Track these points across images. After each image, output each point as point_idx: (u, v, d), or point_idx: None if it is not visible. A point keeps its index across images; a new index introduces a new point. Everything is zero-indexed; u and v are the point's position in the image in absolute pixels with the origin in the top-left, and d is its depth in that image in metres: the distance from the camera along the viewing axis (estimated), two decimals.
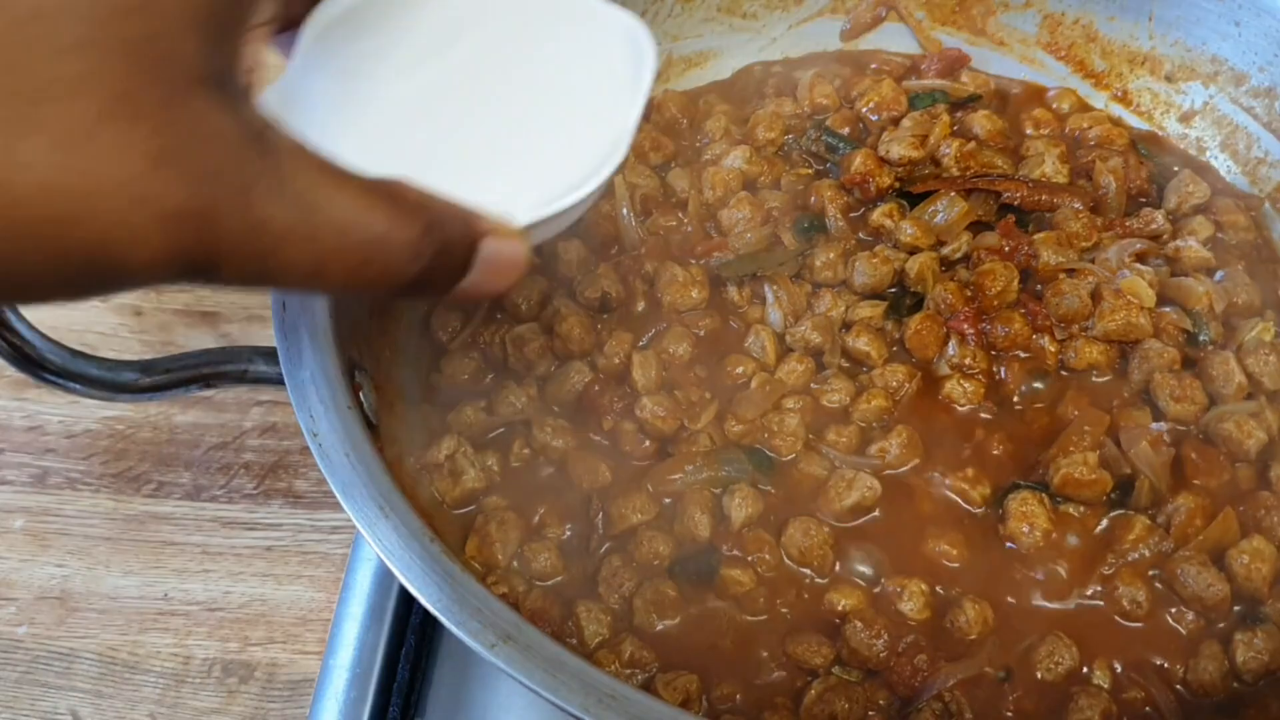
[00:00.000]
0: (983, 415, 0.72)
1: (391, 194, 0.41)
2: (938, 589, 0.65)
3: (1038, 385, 0.72)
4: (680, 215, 0.81)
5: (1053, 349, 0.73)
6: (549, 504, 0.68)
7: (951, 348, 0.73)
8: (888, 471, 0.69)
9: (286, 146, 0.39)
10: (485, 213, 0.45)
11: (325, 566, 0.84)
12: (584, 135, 0.51)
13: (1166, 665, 0.63)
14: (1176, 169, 0.84)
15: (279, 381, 0.60)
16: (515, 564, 0.66)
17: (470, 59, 0.51)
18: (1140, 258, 0.77)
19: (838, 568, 0.66)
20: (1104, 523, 0.67)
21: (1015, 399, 0.72)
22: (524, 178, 0.49)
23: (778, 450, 0.70)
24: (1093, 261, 0.76)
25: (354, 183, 0.40)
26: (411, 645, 0.74)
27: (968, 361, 0.72)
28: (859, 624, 0.62)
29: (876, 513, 0.68)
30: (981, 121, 0.85)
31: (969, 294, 0.74)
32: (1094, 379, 0.73)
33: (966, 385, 0.72)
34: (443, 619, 0.52)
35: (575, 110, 0.52)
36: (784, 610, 0.65)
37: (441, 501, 0.69)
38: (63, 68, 0.33)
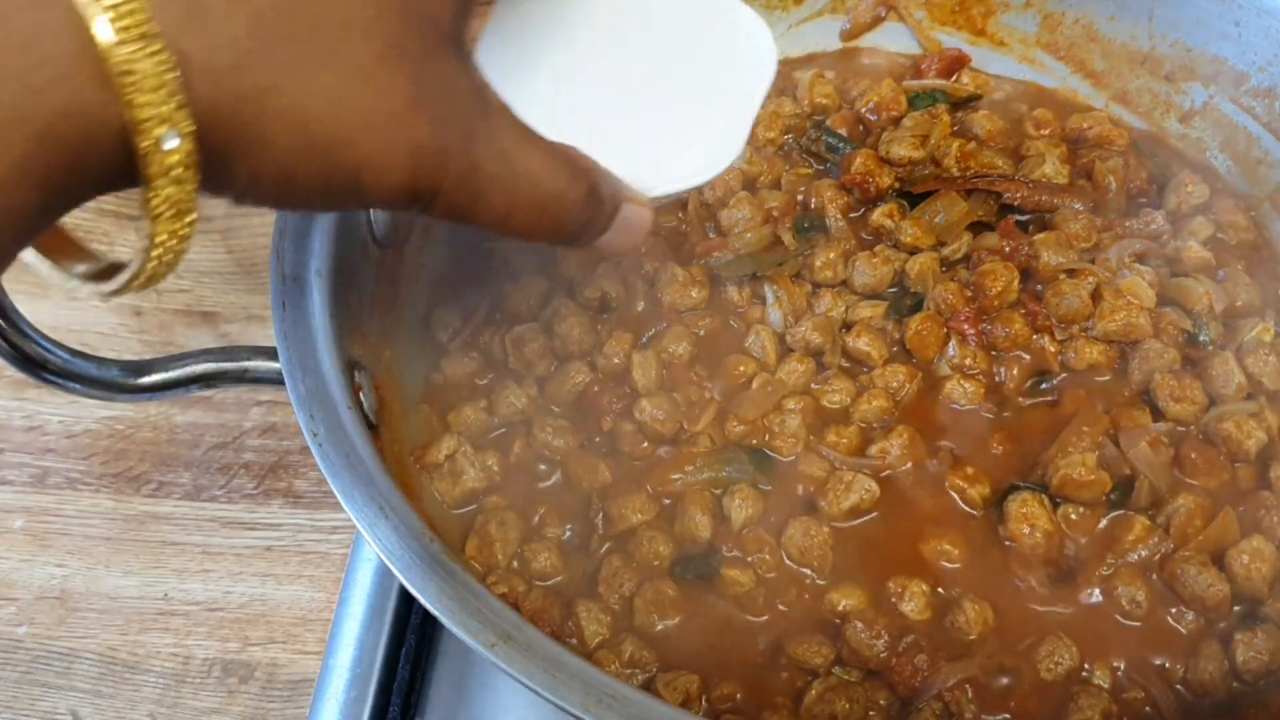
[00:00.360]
0: (983, 415, 0.72)
1: (567, 157, 0.48)
2: (939, 589, 0.65)
3: (1038, 385, 0.72)
4: (680, 215, 0.81)
5: (1053, 349, 0.73)
6: (549, 504, 0.68)
7: (952, 348, 0.73)
8: (887, 472, 0.69)
9: (497, 106, 0.46)
10: (624, 182, 0.52)
11: (325, 566, 0.84)
12: (705, 125, 0.57)
13: (1166, 665, 0.63)
14: (1176, 169, 0.84)
15: (279, 381, 0.60)
16: (515, 564, 0.66)
17: (615, 42, 0.57)
18: (1140, 258, 0.77)
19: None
20: (1103, 523, 0.67)
21: (1015, 399, 0.72)
22: (652, 155, 0.56)
23: (779, 451, 0.70)
24: (1093, 262, 0.76)
25: (542, 144, 0.47)
26: (411, 645, 0.74)
27: (968, 362, 0.72)
28: (859, 624, 0.62)
29: (875, 514, 0.68)
30: (981, 121, 0.85)
31: (969, 294, 0.74)
32: (1094, 379, 0.73)
33: (967, 385, 0.72)
34: (443, 619, 0.52)
35: (700, 101, 0.58)
36: (784, 609, 0.65)
37: (441, 501, 0.69)
38: (356, 15, 0.40)
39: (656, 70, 0.58)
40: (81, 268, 0.43)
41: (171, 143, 0.36)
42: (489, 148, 0.44)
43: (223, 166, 0.38)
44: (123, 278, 0.40)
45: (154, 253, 0.39)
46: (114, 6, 0.34)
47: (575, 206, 0.48)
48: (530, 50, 0.57)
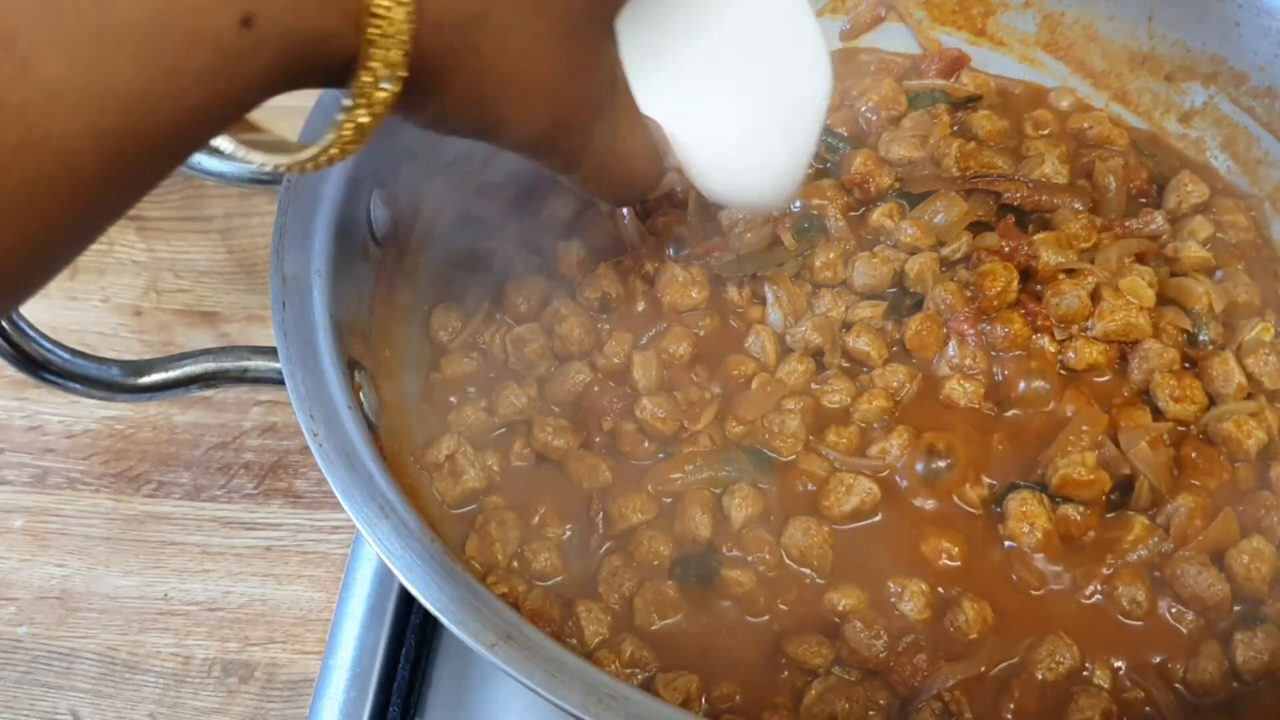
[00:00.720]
0: (983, 415, 0.72)
1: (657, 142, 0.56)
2: (939, 589, 0.65)
3: (1037, 385, 0.72)
4: (680, 214, 0.81)
5: (1052, 349, 0.73)
6: (549, 504, 0.68)
7: (952, 348, 0.73)
8: (886, 472, 0.69)
9: (623, 87, 0.53)
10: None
11: (325, 566, 0.84)
12: (769, 153, 0.62)
13: (1167, 665, 0.63)
14: (1176, 169, 0.84)
15: (279, 381, 0.60)
16: (515, 564, 0.66)
17: (713, 46, 0.60)
18: (1140, 258, 0.77)
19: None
20: (1104, 523, 0.67)
21: (1015, 399, 0.72)
22: (721, 160, 0.61)
23: (778, 451, 0.70)
24: (1093, 262, 0.76)
25: (644, 129, 0.54)
26: (411, 645, 0.74)
27: (968, 362, 0.72)
28: (859, 624, 0.62)
29: (877, 516, 0.68)
30: (981, 121, 0.85)
31: (969, 294, 0.74)
32: (1094, 379, 0.73)
33: (967, 386, 0.72)
34: (443, 619, 0.52)
35: (766, 105, 0.61)
36: (784, 609, 0.65)
37: (441, 501, 0.69)
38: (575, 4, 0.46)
39: (737, 78, 0.61)
40: (253, 139, 0.47)
41: (386, 86, 0.41)
42: (608, 124, 0.51)
43: (410, 104, 0.43)
44: (303, 155, 0.45)
45: (343, 130, 0.43)
46: None
47: (649, 185, 0.56)
48: (647, 33, 0.58)
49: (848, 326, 0.75)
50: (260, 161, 0.46)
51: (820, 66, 0.62)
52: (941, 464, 0.68)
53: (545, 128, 0.48)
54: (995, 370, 0.73)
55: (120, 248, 1.00)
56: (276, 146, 0.46)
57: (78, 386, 0.65)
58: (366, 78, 0.41)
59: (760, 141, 0.62)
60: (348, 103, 0.42)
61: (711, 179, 0.60)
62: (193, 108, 0.37)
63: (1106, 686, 0.62)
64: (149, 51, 0.34)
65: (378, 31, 0.39)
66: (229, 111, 0.39)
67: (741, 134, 0.61)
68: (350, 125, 0.42)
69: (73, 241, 0.38)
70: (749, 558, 0.66)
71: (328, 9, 0.38)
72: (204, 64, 0.36)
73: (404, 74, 0.41)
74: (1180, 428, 0.70)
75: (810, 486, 0.68)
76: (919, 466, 0.69)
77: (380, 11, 0.39)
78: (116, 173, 0.36)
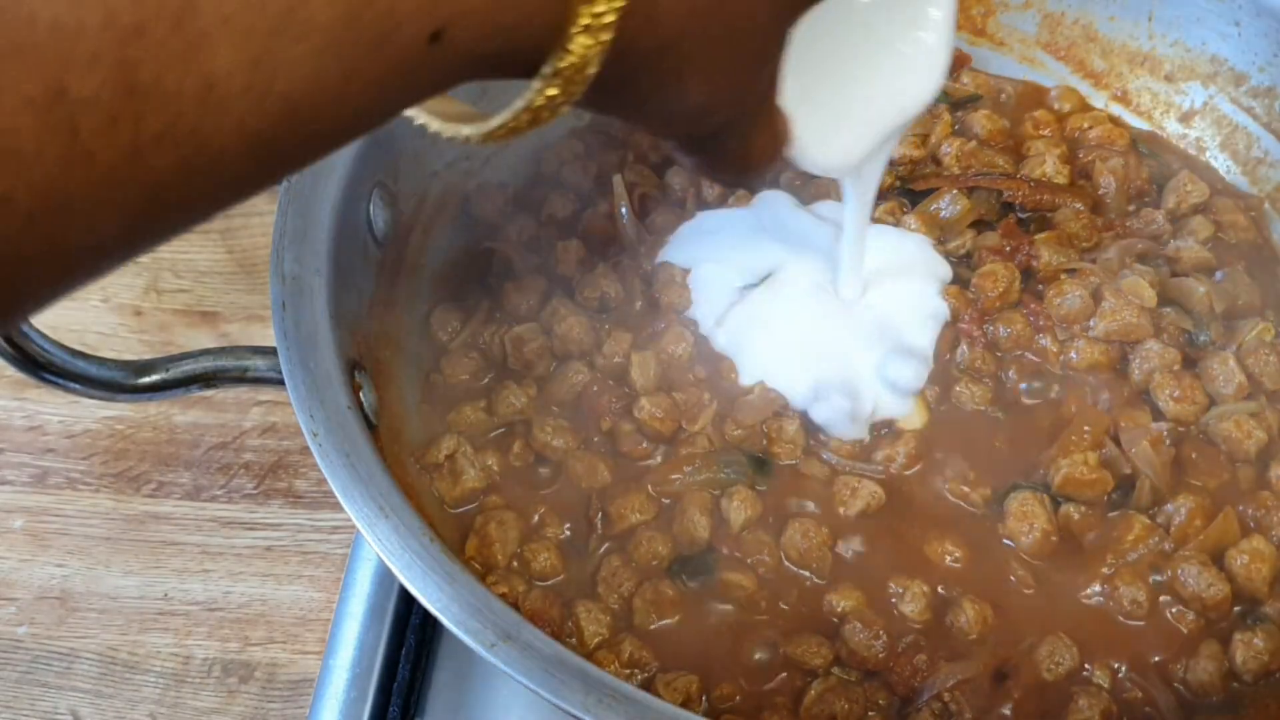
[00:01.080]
0: (988, 416, 0.71)
1: (786, 128, 0.55)
2: (940, 590, 0.65)
3: (1039, 385, 0.72)
4: (680, 214, 0.81)
5: (1054, 349, 0.73)
6: (549, 504, 0.68)
7: (962, 350, 0.73)
8: (892, 471, 0.69)
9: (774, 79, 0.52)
10: None
11: (325, 566, 0.84)
12: (850, 124, 0.62)
13: (1167, 665, 0.63)
14: (1176, 169, 0.84)
15: (279, 381, 0.60)
16: (515, 564, 0.66)
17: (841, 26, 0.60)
18: (1140, 258, 0.77)
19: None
20: (1104, 523, 0.67)
21: (1017, 399, 0.72)
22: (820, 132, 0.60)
23: (777, 456, 0.69)
24: (1093, 261, 0.76)
25: (781, 119, 0.54)
26: (411, 645, 0.74)
27: (978, 364, 0.72)
28: (858, 624, 0.62)
29: (879, 518, 0.68)
30: (981, 121, 0.85)
31: (971, 295, 0.74)
32: (1094, 379, 0.72)
33: (974, 388, 0.72)
34: (443, 619, 0.52)
35: (875, 102, 0.62)
36: (784, 608, 0.65)
37: (441, 501, 0.69)
38: (761, 14, 0.45)
39: (863, 71, 0.61)
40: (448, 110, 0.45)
41: (561, 107, 0.40)
42: (759, 115, 0.51)
43: (594, 98, 0.41)
44: (491, 124, 0.42)
45: (534, 101, 0.40)
46: None
47: (766, 167, 0.56)
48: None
49: None
50: (436, 128, 0.44)
51: (936, 81, 0.62)
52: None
53: (718, 120, 0.48)
54: (1002, 374, 0.73)
55: None
56: (461, 117, 0.44)
57: (78, 386, 0.65)
58: (540, 100, 0.39)
59: (859, 130, 0.62)
60: (532, 88, 0.39)
61: (807, 156, 0.60)
62: (354, 113, 0.35)
63: (1106, 686, 0.62)
64: (329, 55, 0.32)
65: (579, 24, 0.37)
66: (387, 116, 0.37)
67: (846, 122, 0.61)
68: (540, 99, 0.39)
69: (182, 227, 0.34)
70: (748, 559, 0.66)
71: (519, 34, 0.36)
72: (378, 73, 0.34)
73: (595, 69, 0.38)
74: (1180, 428, 0.70)
75: (810, 490, 0.68)
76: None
77: (575, 48, 0.37)
78: (255, 171, 0.34)
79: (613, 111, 0.45)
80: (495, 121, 0.41)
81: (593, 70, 0.38)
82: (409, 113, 0.43)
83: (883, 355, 0.71)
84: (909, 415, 0.71)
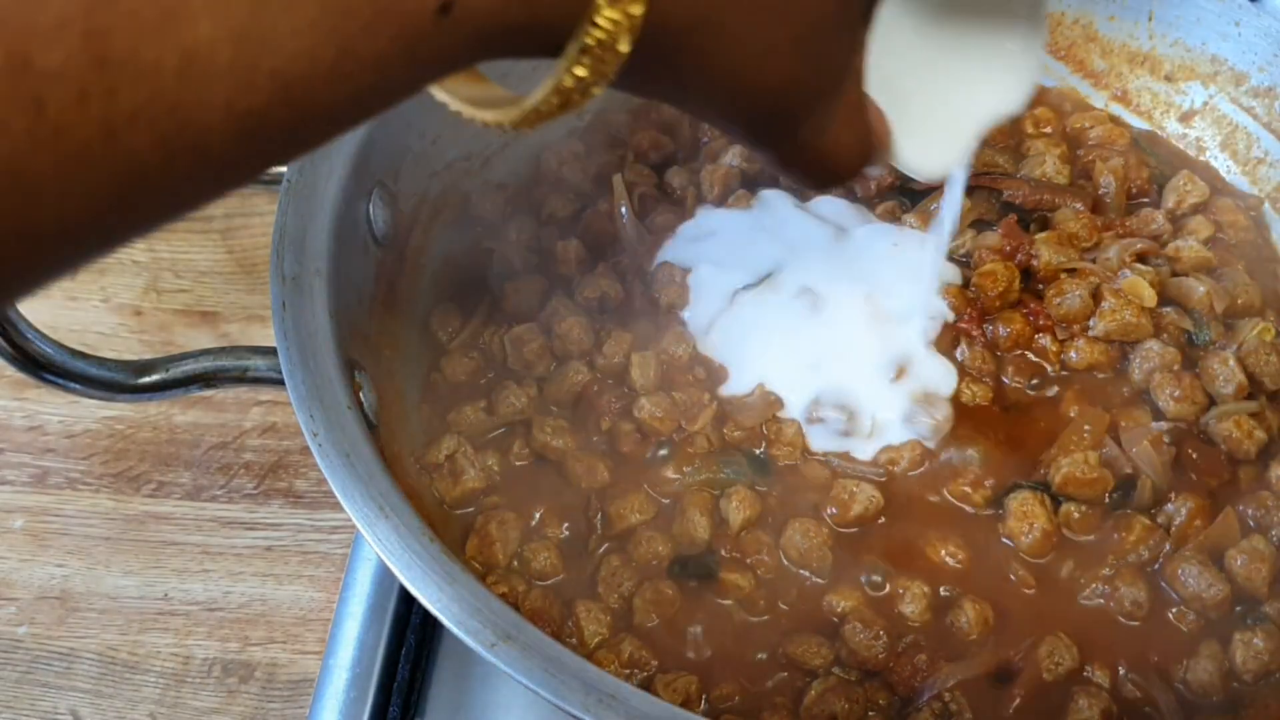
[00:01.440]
0: (988, 416, 0.71)
1: (874, 128, 0.53)
2: (940, 590, 0.65)
3: (1039, 385, 0.72)
4: (680, 214, 0.81)
5: (1054, 349, 0.73)
6: (549, 504, 0.68)
7: (961, 350, 0.73)
8: (895, 472, 0.69)
9: (856, 71, 0.49)
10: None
11: (325, 566, 0.84)
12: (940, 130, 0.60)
13: (1167, 665, 0.63)
14: (1176, 169, 0.84)
15: (279, 381, 0.60)
16: (515, 564, 0.66)
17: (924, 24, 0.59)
18: (1140, 258, 0.77)
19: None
20: (1104, 522, 0.67)
21: (1017, 399, 0.72)
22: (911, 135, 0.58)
23: (776, 458, 0.69)
24: (1093, 261, 0.76)
25: (864, 117, 0.51)
26: (411, 645, 0.74)
27: (978, 365, 0.72)
28: (858, 624, 0.62)
29: (880, 519, 0.68)
30: None
31: (971, 295, 0.74)
32: (1095, 379, 0.73)
33: (975, 389, 0.72)
34: (443, 619, 0.52)
35: (965, 104, 0.60)
36: (784, 608, 0.65)
37: (441, 501, 0.69)
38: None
39: (956, 71, 0.60)
40: (471, 93, 0.43)
41: (593, 89, 0.37)
42: (835, 106, 0.48)
43: (631, 80, 0.39)
44: (518, 109, 0.40)
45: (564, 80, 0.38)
46: None
47: (868, 160, 0.52)
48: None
49: None
50: (457, 109, 0.42)
51: (1032, 78, 0.61)
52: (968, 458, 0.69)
53: (782, 116, 0.45)
54: (1002, 374, 0.73)
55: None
56: (487, 101, 0.42)
57: (78, 386, 0.65)
58: (568, 81, 0.37)
59: (956, 130, 0.61)
60: (555, 69, 0.37)
61: (905, 155, 0.58)
62: (353, 94, 0.32)
63: (1106, 687, 0.62)
64: (323, 28, 0.30)
65: (593, 40, 0.35)
66: (393, 99, 0.35)
67: (944, 121, 0.60)
68: (571, 81, 0.37)
69: (168, 214, 0.32)
70: (748, 559, 0.66)
71: (540, 4, 0.34)
72: (380, 48, 0.31)
73: (619, 63, 0.36)
74: (1180, 427, 0.70)
75: (809, 491, 0.68)
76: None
77: (603, 23, 0.35)
78: (246, 155, 0.31)
79: (655, 95, 0.43)
80: (523, 106, 0.39)
81: (624, 48, 0.36)
82: (432, 90, 0.41)
83: (889, 373, 0.71)
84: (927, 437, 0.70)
